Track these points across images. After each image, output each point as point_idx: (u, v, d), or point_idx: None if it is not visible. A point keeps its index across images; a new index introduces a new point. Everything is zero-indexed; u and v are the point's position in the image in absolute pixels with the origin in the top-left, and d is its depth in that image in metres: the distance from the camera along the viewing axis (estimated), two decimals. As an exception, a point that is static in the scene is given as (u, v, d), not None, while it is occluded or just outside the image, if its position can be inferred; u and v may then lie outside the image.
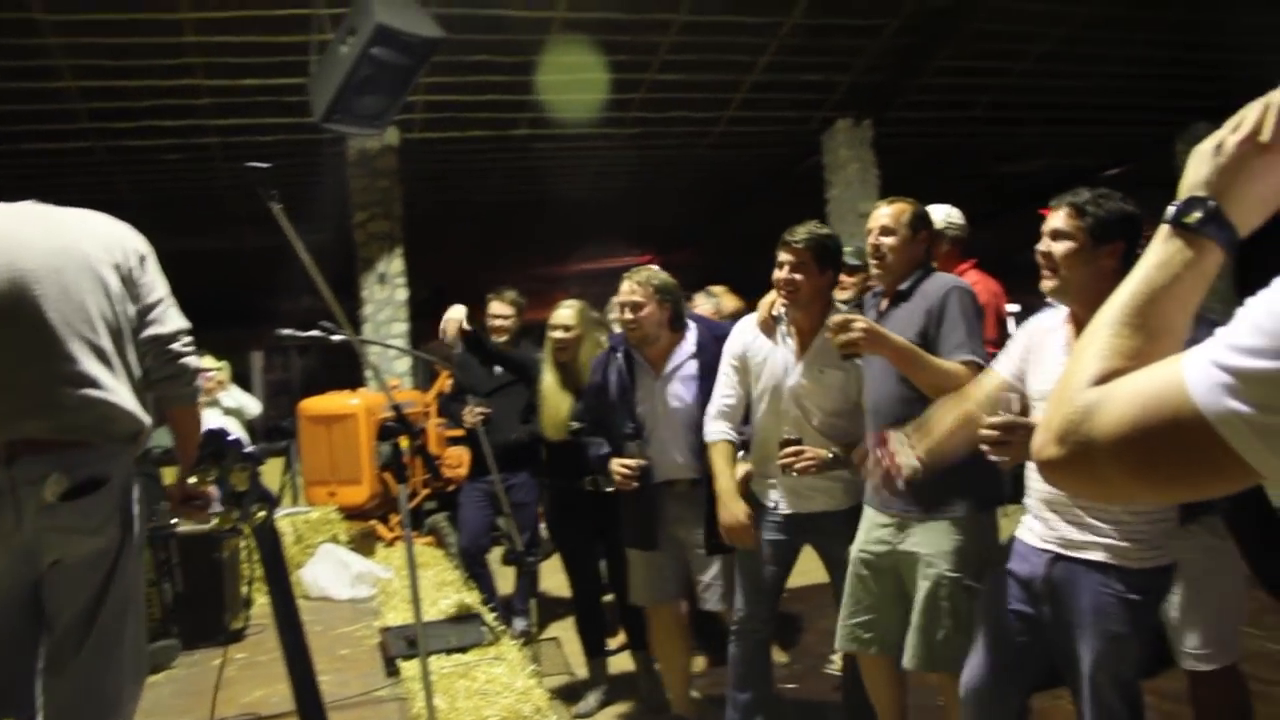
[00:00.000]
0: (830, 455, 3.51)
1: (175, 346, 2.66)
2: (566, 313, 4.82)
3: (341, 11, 5.80)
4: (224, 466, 1.33)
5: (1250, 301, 0.89)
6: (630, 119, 9.77)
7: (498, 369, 5.78)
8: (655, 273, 4.22)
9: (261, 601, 4.55)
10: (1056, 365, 2.80)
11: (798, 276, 3.57)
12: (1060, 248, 2.71)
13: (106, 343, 2.54)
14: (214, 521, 1.32)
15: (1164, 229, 1.08)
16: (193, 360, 2.70)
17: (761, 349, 3.80)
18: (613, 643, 5.21)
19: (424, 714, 2.74)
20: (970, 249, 4.66)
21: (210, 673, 3.77)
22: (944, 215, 4.42)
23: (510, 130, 9.77)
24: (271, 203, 2.25)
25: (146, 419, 2.66)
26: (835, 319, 3.19)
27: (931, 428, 2.94)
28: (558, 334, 4.77)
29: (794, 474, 3.54)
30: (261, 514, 1.36)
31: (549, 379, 4.82)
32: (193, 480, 1.50)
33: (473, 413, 5.28)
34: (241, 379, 14.21)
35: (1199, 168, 1.11)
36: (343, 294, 9.99)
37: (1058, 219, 2.74)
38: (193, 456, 2.62)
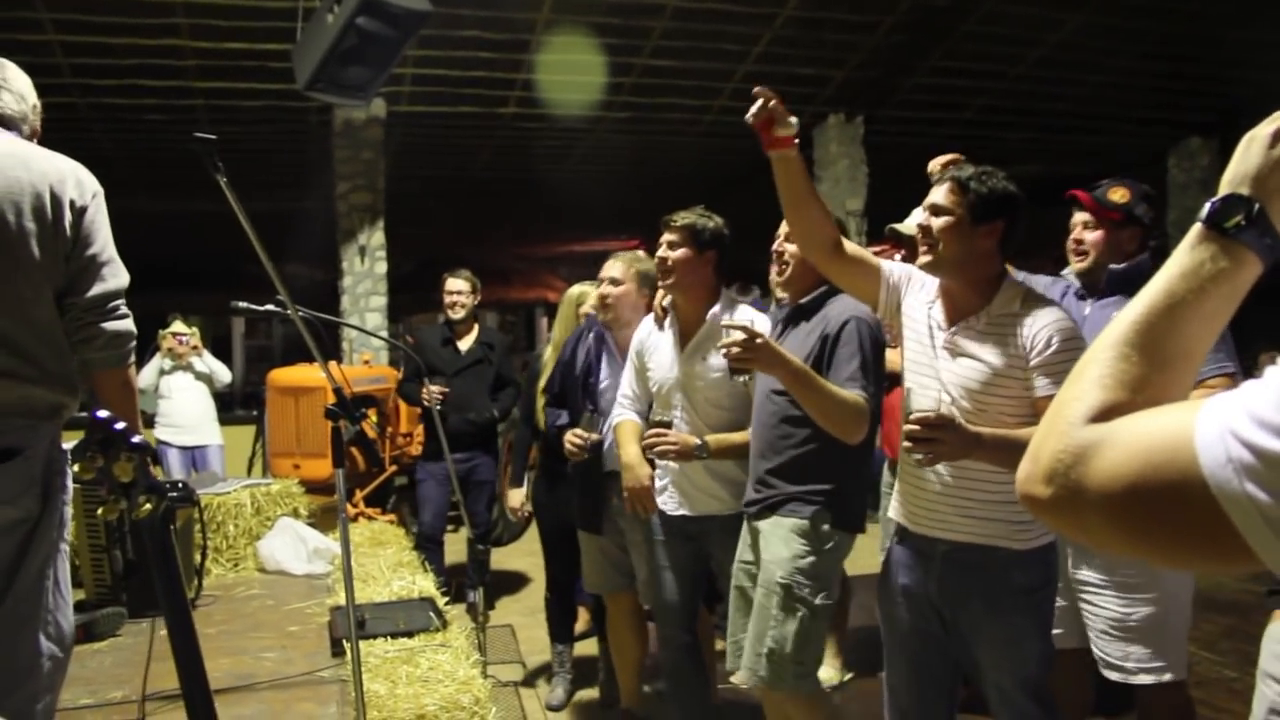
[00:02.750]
0: (696, 444, 3.41)
1: (93, 312, 2.55)
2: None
3: (329, -21, 5.72)
4: (109, 455, 1.28)
5: None
6: (620, 103, 9.71)
7: (463, 346, 5.79)
8: (641, 258, 4.19)
9: (216, 573, 4.52)
10: (924, 347, 2.74)
11: (671, 254, 3.54)
12: (939, 222, 2.65)
13: (28, 315, 2.46)
14: (99, 511, 1.28)
15: (1195, 230, 0.93)
16: (113, 324, 2.58)
17: (654, 345, 3.75)
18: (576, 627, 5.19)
19: (365, 697, 2.70)
20: None
21: (156, 642, 3.73)
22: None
23: (499, 108, 9.69)
24: (218, 175, 2.19)
25: (71, 394, 2.60)
26: (735, 330, 3.03)
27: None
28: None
29: (661, 458, 3.50)
30: (148, 506, 1.31)
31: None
32: (75, 469, 1.46)
33: (430, 393, 5.25)
34: (223, 343, 14.17)
35: (1247, 159, 0.93)
36: (327, 265, 9.90)
37: (939, 194, 2.68)
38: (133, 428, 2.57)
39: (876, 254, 3.19)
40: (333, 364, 6.43)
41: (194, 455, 7.68)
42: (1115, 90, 10.43)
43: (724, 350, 2.94)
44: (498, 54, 8.59)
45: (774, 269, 3.39)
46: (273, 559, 4.54)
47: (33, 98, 2.74)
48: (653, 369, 3.72)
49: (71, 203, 2.51)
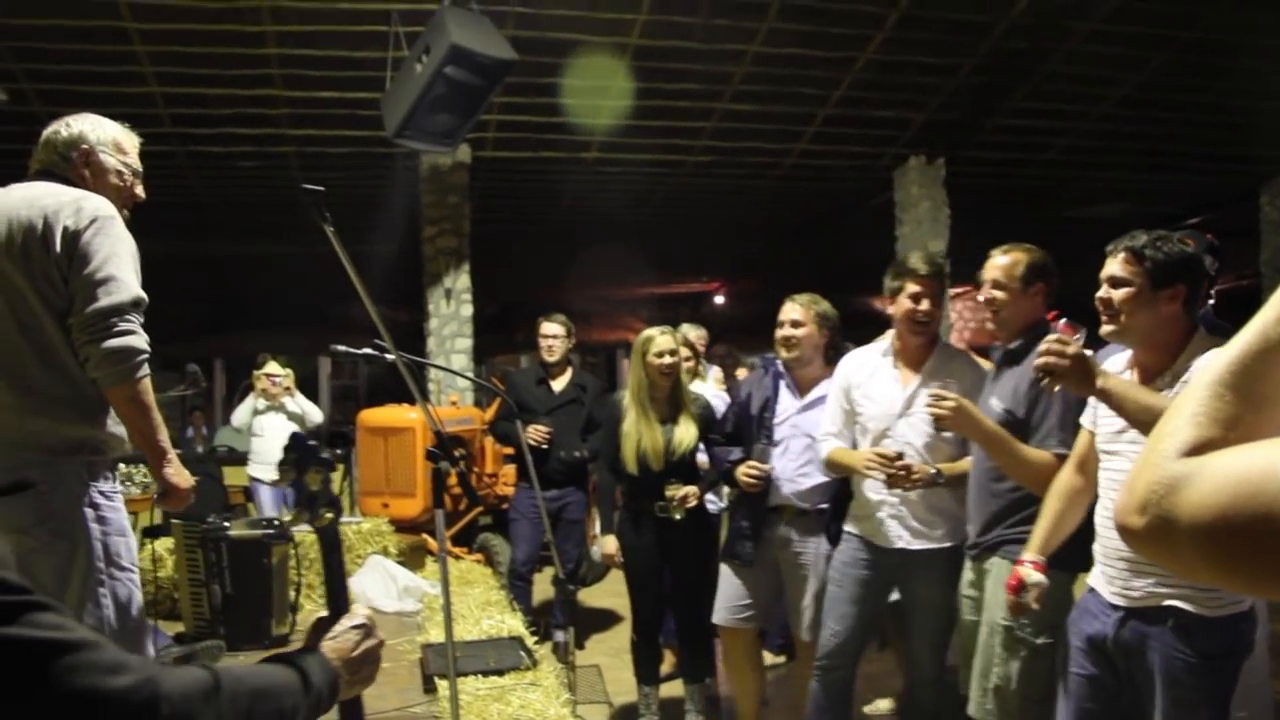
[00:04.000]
0: (933, 472, 3.51)
1: (88, 330, 2.62)
2: (667, 340, 4.69)
3: (419, 30, 5.90)
4: (301, 469, 1.39)
5: None
6: (701, 147, 9.79)
7: (557, 387, 5.88)
8: (818, 299, 4.28)
9: (309, 609, 4.60)
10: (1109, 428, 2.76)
11: (936, 308, 3.69)
12: (1120, 294, 2.66)
13: (32, 342, 2.61)
14: (288, 518, 1.40)
15: None
16: (111, 342, 2.62)
17: (867, 383, 3.83)
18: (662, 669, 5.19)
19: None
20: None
21: (253, 677, 3.82)
22: None
23: (582, 153, 9.83)
24: (325, 225, 2.28)
25: (90, 424, 2.70)
26: (934, 389, 3.30)
27: (1043, 530, 2.96)
28: (668, 360, 4.64)
29: (900, 489, 3.56)
30: (329, 516, 1.42)
31: (636, 415, 4.68)
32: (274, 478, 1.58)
33: (537, 431, 5.31)
34: (310, 383, 14.47)
35: None
36: (411, 307, 10.07)
37: (1115, 265, 2.68)
38: (151, 443, 2.68)
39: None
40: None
41: (285, 493, 7.87)
42: (1200, 129, 10.28)
43: (930, 411, 3.22)
44: (580, 100, 8.72)
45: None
46: (363, 596, 4.61)
47: (92, 140, 2.87)
48: (866, 406, 3.81)
49: (65, 228, 2.62)
